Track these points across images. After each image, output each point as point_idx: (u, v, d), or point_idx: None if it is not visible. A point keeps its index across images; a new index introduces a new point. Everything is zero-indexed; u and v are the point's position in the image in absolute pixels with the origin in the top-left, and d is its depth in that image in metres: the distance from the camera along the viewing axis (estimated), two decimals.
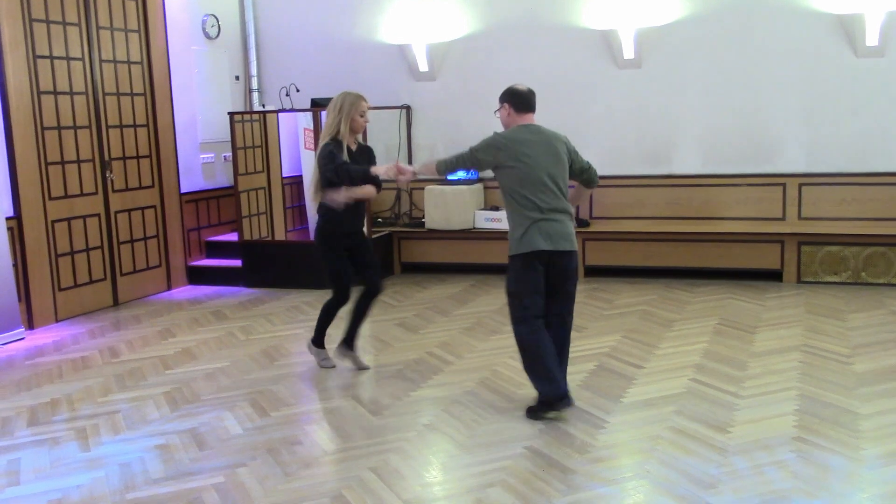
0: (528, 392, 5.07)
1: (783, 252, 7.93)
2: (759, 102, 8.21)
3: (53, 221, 7.40)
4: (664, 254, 8.26)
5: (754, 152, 8.27)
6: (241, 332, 6.93)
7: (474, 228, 8.61)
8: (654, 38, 8.38)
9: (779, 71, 8.10)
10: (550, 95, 8.78)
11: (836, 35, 7.89)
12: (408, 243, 9.00)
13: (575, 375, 5.44)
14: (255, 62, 9.70)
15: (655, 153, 8.57)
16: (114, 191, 8.02)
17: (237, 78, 9.70)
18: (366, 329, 6.92)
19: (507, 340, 6.11)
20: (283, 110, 8.71)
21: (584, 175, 4.99)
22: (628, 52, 8.40)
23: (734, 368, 5.49)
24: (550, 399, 4.66)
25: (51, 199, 7.38)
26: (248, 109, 9.63)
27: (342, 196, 5.34)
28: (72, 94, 7.56)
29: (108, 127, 7.94)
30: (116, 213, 8.05)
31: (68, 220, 7.55)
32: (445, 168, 4.97)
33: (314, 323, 6.55)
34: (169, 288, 8.70)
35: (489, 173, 5.01)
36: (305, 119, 8.58)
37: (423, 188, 8.77)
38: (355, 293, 5.73)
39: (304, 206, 8.99)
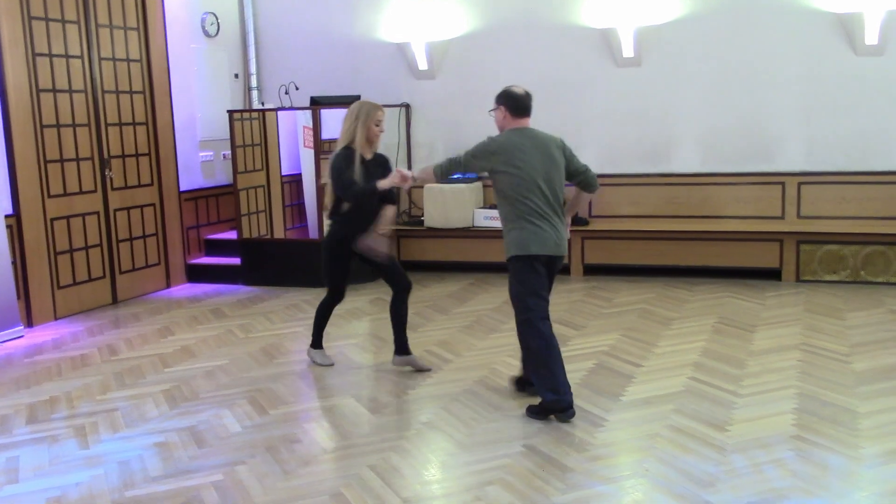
0: (528, 392, 5.09)
1: (782, 251, 7.94)
2: (758, 101, 8.21)
3: (52, 219, 7.40)
4: (663, 252, 8.26)
5: (753, 151, 8.27)
6: (240, 330, 6.93)
7: (473, 227, 8.60)
8: (654, 37, 8.38)
9: (778, 69, 8.10)
10: (550, 94, 8.80)
11: (835, 34, 7.89)
12: (407, 241, 9.00)
13: (574, 374, 5.43)
14: (254, 60, 9.70)
15: (655, 152, 8.57)
16: (113, 189, 8.01)
17: (236, 76, 9.70)
18: (365, 327, 6.95)
19: (506, 339, 6.12)
20: (283, 108, 8.70)
21: (580, 177, 4.94)
22: (628, 51, 8.40)
23: (733, 367, 5.49)
24: (553, 409, 4.66)
25: (50, 196, 7.37)
26: (247, 107, 9.63)
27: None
28: (71, 92, 7.56)
29: (107, 125, 7.94)
30: (115, 211, 8.05)
31: (67, 217, 7.55)
32: (441, 173, 4.95)
33: (312, 321, 6.54)
34: (168, 286, 8.70)
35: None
36: (305, 117, 8.57)
37: (422, 186, 8.77)
38: (386, 296, 5.75)
39: (304, 204, 8.99)
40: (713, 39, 8.25)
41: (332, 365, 5.85)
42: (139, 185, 8.33)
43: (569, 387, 4.70)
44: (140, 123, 8.33)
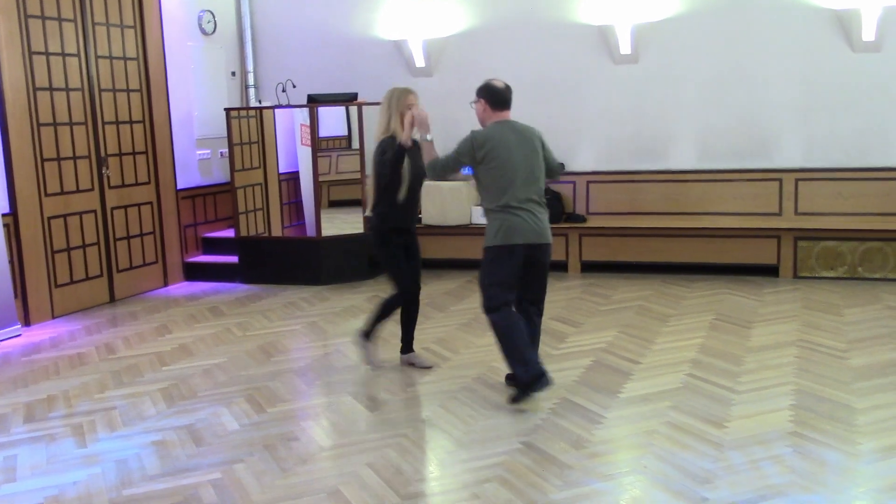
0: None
1: (780, 247, 7.94)
2: (755, 98, 8.21)
3: (49, 218, 7.39)
4: (660, 249, 8.26)
5: (751, 147, 8.28)
6: (237, 328, 6.93)
7: (471, 224, 8.60)
8: (651, 34, 8.38)
9: (775, 66, 8.11)
10: (547, 91, 8.81)
11: (832, 30, 7.89)
12: None
13: (571, 371, 5.45)
14: (251, 58, 9.69)
15: (652, 148, 8.57)
16: (110, 187, 8.01)
17: (233, 74, 9.69)
18: (362, 324, 6.93)
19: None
20: (280, 106, 8.69)
21: (551, 171, 5.08)
22: (625, 48, 8.40)
23: (730, 363, 5.49)
24: (528, 380, 4.74)
25: (47, 195, 7.37)
26: (244, 105, 9.62)
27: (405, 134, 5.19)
28: (67, 90, 7.55)
29: (104, 123, 7.93)
30: (113, 209, 8.04)
31: (64, 216, 7.54)
32: (432, 172, 5.00)
33: (310, 319, 6.57)
34: (165, 284, 8.69)
35: None
36: (302, 115, 8.57)
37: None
38: (383, 294, 5.72)
39: (301, 202, 8.98)
40: (710, 36, 8.25)
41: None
42: (136, 184, 8.32)
43: (538, 359, 4.83)
44: (137, 121, 8.32)
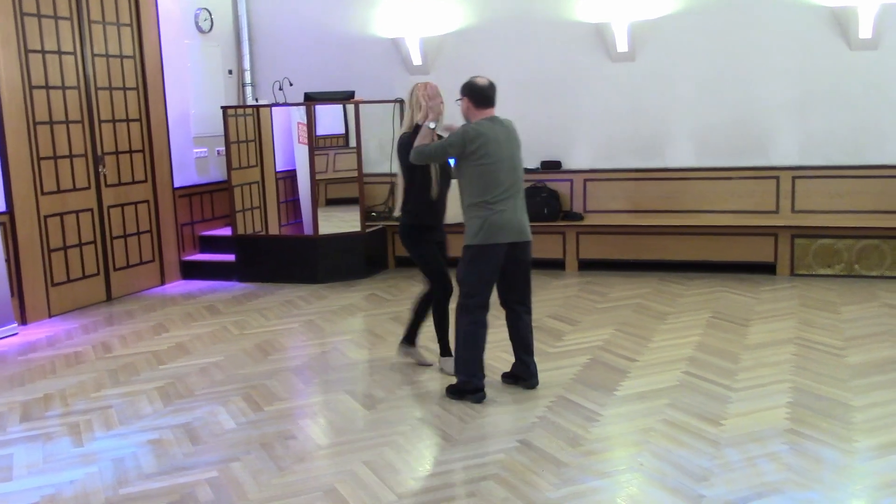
0: (520, 386, 5.10)
1: (777, 245, 7.94)
2: (752, 95, 8.21)
3: (46, 216, 7.38)
4: (658, 247, 8.26)
5: (748, 145, 8.28)
6: (234, 326, 6.92)
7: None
8: (648, 32, 8.38)
9: (772, 64, 8.11)
10: (544, 89, 8.81)
11: (829, 28, 7.89)
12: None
13: (568, 369, 5.45)
14: (248, 56, 9.68)
15: (649, 146, 8.57)
16: (107, 185, 8.00)
17: (230, 72, 9.67)
18: (360, 323, 6.94)
19: (499, 334, 6.10)
20: (277, 104, 8.68)
21: None
22: (622, 46, 8.40)
23: (727, 361, 5.49)
24: (465, 389, 4.92)
25: (43, 194, 7.35)
26: (241, 104, 9.61)
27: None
28: (64, 88, 7.54)
29: (100, 121, 7.91)
30: (109, 207, 8.03)
31: (61, 215, 7.53)
32: (418, 155, 4.91)
33: (307, 317, 6.58)
34: (162, 283, 8.68)
35: None
36: (299, 113, 8.56)
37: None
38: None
39: (298, 200, 8.98)
40: (707, 34, 8.25)
41: (430, 364, 5.65)
42: (133, 182, 8.31)
43: (483, 372, 4.97)
44: (134, 120, 8.30)
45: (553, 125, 8.81)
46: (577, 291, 7.66)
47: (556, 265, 8.53)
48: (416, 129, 5.18)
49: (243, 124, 8.77)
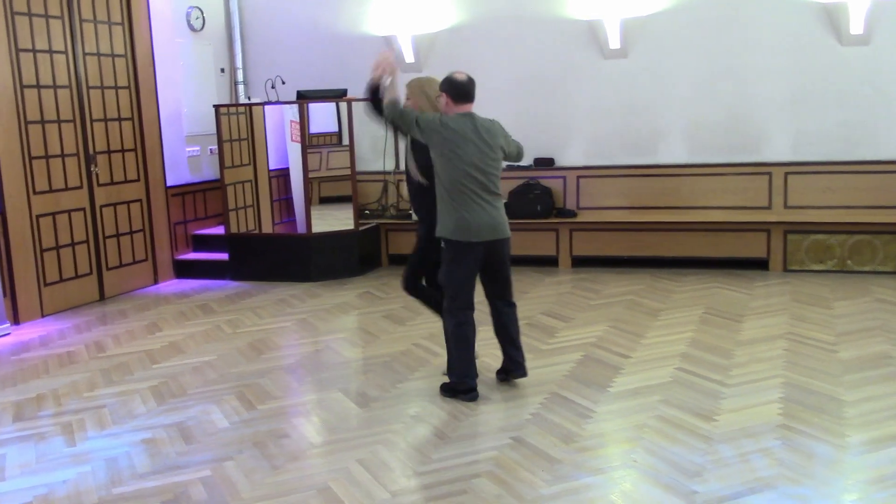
0: (515, 384, 5.10)
1: (769, 241, 7.96)
2: (744, 91, 8.22)
3: (38, 216, 7.36)
4: (650, 243, 8.27)
5: (740, 141, 8.29)
6: (228, 325, 6.91)
7: None
8: (640, 28, 8.39)
9: (764, 60, 8.12)
10: (536, 86, 8.81)
11: (820, 23, 7.91)
12: (395, 235, 8.99)
13: (562, 365, 5.46)
14: (240, 54, 9.66)
15: (642, 143, 8.57)
16: (99, 185, 7.98)
17: (222, 70, 9.66)
18: (353, 321, 6.94)
19: (493, 332, 6.11)
20: (269, 103, 8.67)
21: (510, 156, 5.07)
22: (614, 42, 8.40)
23: (720, 357, 5.51)
24: (457, 389, 4.94)
25: (35, 193, 7.33)
26: (233, 102, 9.59)
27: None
28: (55, 87, 7.51)
29: (92, 120, 7.89)
30: (102, 207, 8.01)
31: (53, 214, 7.51)
32: (390, 109, 4.79)
33: (301, 316, 6.56)
34: (155, 282, 8.67)
35: None
36: (292, 111, 8.55)
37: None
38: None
39: (291, 199, 8.97)
40: (700, 30, 8.26)
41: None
42: (125, 181, 8.29)
43: (476, 372, 4.96)
44: (126, 119, 8.29)
45: (546, 122, 8.82)
46: (570, 288, 7.66)
47: (549, 262, 8.54)
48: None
49: (236, 123, 8.75)
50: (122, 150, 8.25)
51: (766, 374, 5.15)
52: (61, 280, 7.61)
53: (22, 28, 7.20)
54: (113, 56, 8.13)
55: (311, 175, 8.41)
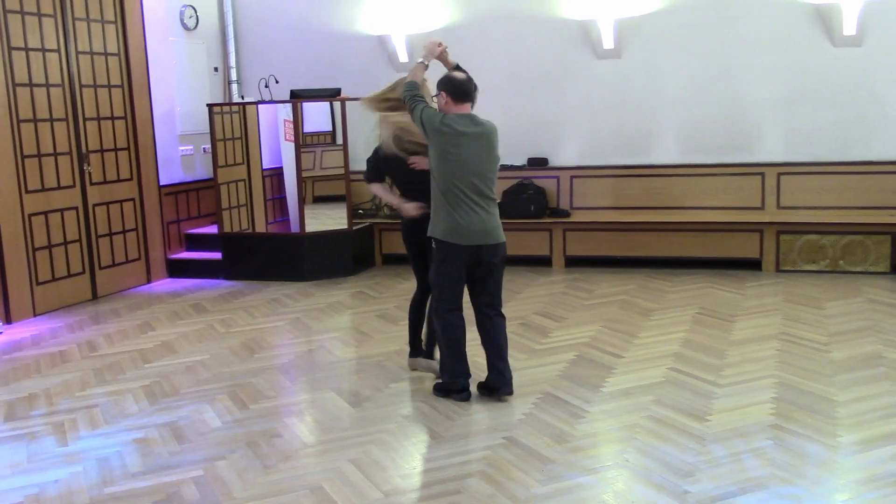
0: (495, 397, 5.11)
1: (762, 241, 7.98)
2: (737, 92, 8.24)
3: (30, 215, 7.34)
4: (643, 243, 8.28)
5: (733, 142, 8.31)
6: (221, 324, 6.90)
7: None
8: (634, 29, 8.40)
9: (757, 60, 8.14)
10: (530, 86, 8.82)
11: (813, 25, 7.93)
12: (388, 235, 8.98)
13: (555, 365, 5.46)
14: (233, 53, 9.65)
15: (635, 143, 8.59)
16: (91, 184, 7.95)
17: (216, 69, 9.64)
18: (346, 321, 6.93)
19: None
20: (263, 102, 8.65)
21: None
22: (608, 43, 8.41)
23: (713, 357, 5.52)
24: (450, 389, 4.94)
25: (27, 192, 7.31)
26: (227, 101, 9.57)
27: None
28: (48, 86, 7.49)
29: (85, 119, 7.87)
30: (94, 206, 7.99)
31: (45, 213, 7.49)
32: (408, 90, 4.87)
33: (294, 315, 6.55)
34: (148, 281, 8.65)
35: None
36: (285, 110, 8.54)
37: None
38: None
39: (285, 198, 8.96)
40: (693, 31, 8.28)
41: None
42: (118, 180, 8.27)
43: (468, 372, 4.94)
44: (119, 117, 8.26)
45: (540, 122, 8.82)
46: (563, 288, 7.67)
47: (542, 262, 8.54)
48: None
49: (229, 122, 8.73)
50: (115, 149, 8.23)
51: (759, 374, 5.17)
52: (54, 279, 7.59)
53: (14, 26, 7.17)
54: (106, 55, 8.11)
55: (304, 174, 8.41)
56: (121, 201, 8.30)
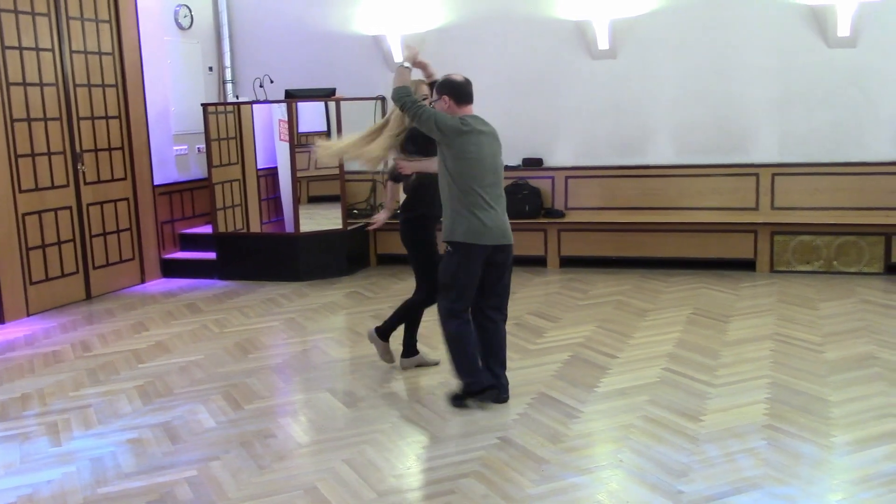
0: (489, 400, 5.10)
1: (756, 241, 7.99)
2: (732, 93, 8.25)
3: (24, 214, 7.32)
4: (638, 244, 8.29)
5: (728, 142, 8.32)
6: (215, 324, 6.89)
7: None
8: (629, 29, 8.40)
9: (752, 61, 8.15)
10: (525, 86, 8.82)
11: (808, 26, 7.94)
12: (383, 235, 8.97)
13: (549, 365, 5.46)
14: (228, 53, 9.63)
15: (630, 144, 8.59)
16: (85, 183, 7.94)
17: (210, 69, 9.62)
18: (341, 321, 6.93)
19: None
20: (258, 101, 8.65)
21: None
22: (603, 43, 8.42)
23: (707, 357, 5.52)
24: (471, 391, 4.75)
25: (21, 191, 7.29)
26: (221, 101, 9.56)
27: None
28: (42, 85, 7.47)
29: (79, 119, 7.85)
30: (88, 205, 7.97)
31: (39, 213, 7.47)
32: (398, 97, 4.80)
33: (288, 315, 6.51)
34: (142, 281, 8.63)
35: None
36: (280, 110, 8.53)
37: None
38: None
39: (280, 198, 8.95)
40: (688, 31, 8.29)
41: (434, 363, 5.57)
42: (112, 180, 8.25)
43: (503, 375, 4.83)
44: (113, 117, 8.25)
45: (534, 123, 8.82)
46: (558, 288, 7.67)
47: (537, 262, 8.54)
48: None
49: (224, 121, 8.72)
50: (109, 149, 8.21)
51: (753, 374, 5.17)
52: (47, 279, 7.57)
53: (8, 25, 7.15)
54: (100, 54, 8.09)
55: (299, 174, 8.39)
56: (115, 201, 8.29)
